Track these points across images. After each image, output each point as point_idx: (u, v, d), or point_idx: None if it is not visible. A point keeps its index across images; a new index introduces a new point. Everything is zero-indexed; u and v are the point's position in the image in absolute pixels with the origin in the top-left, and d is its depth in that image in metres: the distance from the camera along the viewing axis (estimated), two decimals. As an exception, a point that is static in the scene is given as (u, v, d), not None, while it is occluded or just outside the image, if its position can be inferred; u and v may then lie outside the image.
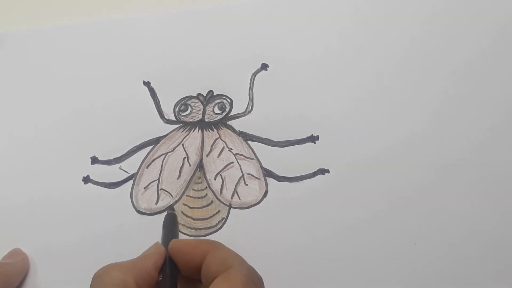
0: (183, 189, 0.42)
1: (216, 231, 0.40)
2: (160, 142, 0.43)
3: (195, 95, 0.45)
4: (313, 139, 0.42)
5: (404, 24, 0.45)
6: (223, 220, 0.40)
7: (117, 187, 0.42)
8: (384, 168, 0.40)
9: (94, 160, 0.43)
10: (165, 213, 0.41)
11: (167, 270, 0.31)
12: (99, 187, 0.42)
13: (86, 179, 0.43)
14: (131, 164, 0.43)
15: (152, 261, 0.31)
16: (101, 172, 0.43)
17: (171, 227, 0.35)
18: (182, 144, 0.43)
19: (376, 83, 0.43)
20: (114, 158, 0.43)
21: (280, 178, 0.41)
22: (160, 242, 0.34)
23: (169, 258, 0.32)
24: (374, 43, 0.45)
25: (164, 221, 0.36)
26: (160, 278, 0.31)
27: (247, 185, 0.41)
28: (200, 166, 0.42)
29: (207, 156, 0.42)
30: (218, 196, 0.41)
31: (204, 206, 0.41)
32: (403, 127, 0.41)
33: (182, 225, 0.40)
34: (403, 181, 0.39)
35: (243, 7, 0.47)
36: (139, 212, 0.41)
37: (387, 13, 0.46)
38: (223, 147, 0.43)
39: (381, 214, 0.38)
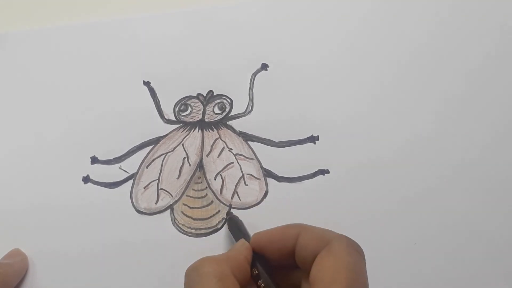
0: (183, 189, 0.42)
1: (216, 231, 0.40)
2: (160, 142, 0.43)
3: (195, 95, 0.45)
4: (313, 139, 0.42)
5: (407, 26, 0.45)
6: (223, 220, 0.40)
7: (117, 187, 0.42)
8: (384, 169, 0.40)
9: (94, 160, 0.43)
10: (167, 211, 0.41)
11: (257, 263, 0.32)
12: (99, 187, 0.42)
13: (86, 179, 0.43)
14: (131, 164, 0.43)
15: (243, 255, 0.31)
16: (101, 172, 0.43)
17: (237, 227, 0.37)
18: (182, 144, 0.43)
19: (377, 84, 0.43)
20: (114, 158, 0.43)
21: (280, 179, 0.41)
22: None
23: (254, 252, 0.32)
24: (375, 44, 0.45)
25: (229, 226, 0.38)
26: (256, 272, 0.31)
27: (247, 185, 0.41)
28: (200, 166, 0.42)
29: (207, 156, 0.42)
30: (218, 196, 0.41)
31: (204, 206, 0.41)
32: (403, 128, 0.41)
33: (182, 224, 0.40)
34: (403, 181, 0.39)
35: (244, 7, 0.47)
36: (138, 211, 0.41)
37: (390, 15, 0.46)
38: (223, 147, 0.43)
39: (381, 214, 0.39)
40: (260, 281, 0.31)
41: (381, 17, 0.46)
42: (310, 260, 0.29)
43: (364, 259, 0.29)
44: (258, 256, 0.32)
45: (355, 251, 0.28)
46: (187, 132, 0.44)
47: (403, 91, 0.43)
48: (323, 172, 0.40)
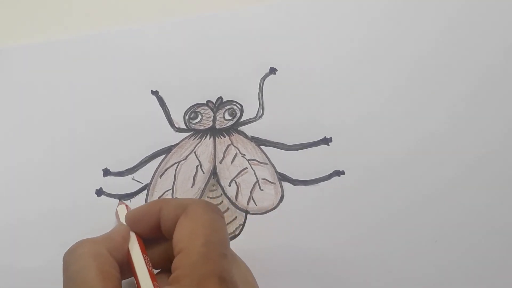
0: (198, 197, 0.41)
1: (234, 237, 0.40)
2: (172, 151, 0.43)
3: (205, 102, 0.45)
4: (326, 141, 0.42)
5: (418, 26, 0.45)
6: (240, 226, 0.40)
7: (131, 198, 0.42)
8: (401, 168, 0.40)
9: (106, 172, 0.43)
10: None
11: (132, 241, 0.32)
12: (113, 199, 0.42)
13: (99, 192, 0.42)
14: (144, 175, 0.43)
15: (121, 235, 0.32)
16: (114, 184, 0.42)
17: None
18: (194, 152, 0.43)
19: (388, 84, 0.43)
20: (127, 169, 0.43)
21: (295, 182, 0.41)
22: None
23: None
24: (386, 45, 0.45)
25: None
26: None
27: (262, 190, 0.41)
28: (214, 173, 0.42)
29: (220, 163, 0.42)
30: (234, 202, 0.41)
31: (220, 213, 0.40)
32: (418, 126, 0.41)
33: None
34: (421, 180, 0.39)
35: (250, 12, 0.47)
36: (154, 222, 0.41)
37: (401, 15, 0.46)
38: (236, 153, 0.42)
39: (400, 213, 0.38)
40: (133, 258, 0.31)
41: (391, 17, 0.46)
42: (172, 228, 0.30)
43: (222, 217, 0.31)
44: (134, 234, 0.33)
45: (211, 211, 0.30)
46: (199, 139, 0.43)
47: (415, 90, 0.43)
48: (338, 173, 0.40)
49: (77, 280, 0.27)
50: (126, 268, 0.31)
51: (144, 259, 0.31)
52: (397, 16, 0.46)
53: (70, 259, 0.29)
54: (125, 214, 0.35)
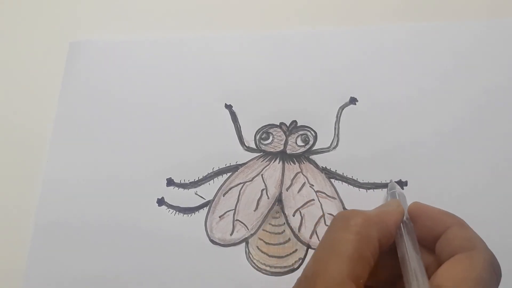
0: (260, 223, 0.40)
1: (292, 271, 0.38)
2: (238, 170, 0.42)
3: (278, 124, 0.43)
4: (401, 184, 0.39)
5: (501, 58, 0.42)
6: (300, 260, 0.38)
7: (192, 213, 0.41)
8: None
9: (170, 182, 0.42)
10: (241, 245, 0.39)
11: (406, 230, 0.30)
12: (173, 211, 0.41)
13: (161, 201, 0.42)
14: (207, 190, 0.42)
15: (394, 218, 0.30)
16: (176, 195, 0.42)
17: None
18: (262, 175, 0.42)
19: (468, 127, 0.41)
20: (190, 182, 0.42)
21: (363, 223, 0.39)
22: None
23: (408, 220, 0.31)
24: (468, 84, 0.42)
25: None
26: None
27: (327, 225, 0.39)
28: (279, 200, 0.41)
29: (287, 190, 0.41)
30: (296, 234, 0.39)
31: (280, 244, 0.39)
32: (493, 170, 0.39)
33: (257, 260, 0.39)
34: (495, 224, 0.37)
35: (338, 35, 0.46)
36: (212, 242, 0.40)
37: (487, 50, 0.43)
38: (304, 182, 0.41)
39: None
40: (405, 254, 0.29)
41: (477, 48, 0.43)
42: (447, 255, 0.28)
43: (498, 282, 0.28)
44: (411, 226, 0.31)
45: (492, 270, 0.27)
46: (267, 162, 0.42)
47: (498, 132, 0.40)
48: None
49: (333, 248, 0.27)
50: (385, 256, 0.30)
51: (421, 262, 0.29)
52: (483, 47, 0.43)
53: (340, 224, 0.28)
54: (404, 201, 0.33)
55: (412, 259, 0.28)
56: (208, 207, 0.41)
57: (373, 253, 0.28)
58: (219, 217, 0.41)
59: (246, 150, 0.43)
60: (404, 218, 0.31)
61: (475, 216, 0.37)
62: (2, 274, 0.42)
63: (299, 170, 0.41)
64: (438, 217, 0.30)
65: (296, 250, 0.39)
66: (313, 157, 0.42)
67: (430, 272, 0.28)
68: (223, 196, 0.41)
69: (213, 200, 0.41)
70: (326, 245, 0.28)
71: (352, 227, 0.28)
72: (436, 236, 0.30)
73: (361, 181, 0.40)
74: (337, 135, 0.42)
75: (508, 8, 0.45)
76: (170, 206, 0.41)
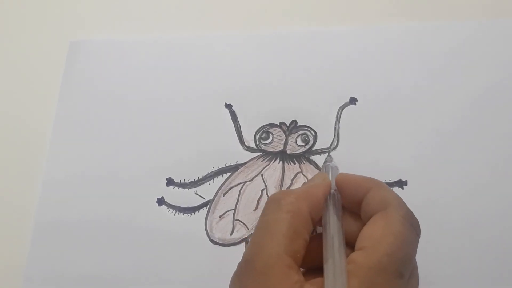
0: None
1: (292, 271, 0.38)
2: (238, 170, 0.42)
3: (278, 124, 0.43)
4: (401, 184, 0.39)
5: (501, 66, 0.42)
6: (300, 260, 0.38)
7: (192, 212, 0.41)
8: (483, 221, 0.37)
9: (170, 182, 0.42)
10: (241, 244, 0.39)
11: (332, 201, 0.31)
12: (173, 210, 0.41)
13: (160, 201, 0.42)
14: (207, 190, 0.42)
15: (322, 191, 0.31)
16: (176, 195, 0.42)
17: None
18: (262, 175, 0.42)
19: (469, 127, 0.41)
20: (190, 182, 0.42)
21: (363, 222, 0.39)
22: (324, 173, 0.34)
23: (336, 191, 0.32)
24: (468, 84, 0.42)
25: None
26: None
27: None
28: (279, 200, 0.40)
29: (287, 190, 0.41)
30: (296, 234, 0.39)
31: (280, 243, 0.39)
32: (493, 170, 0.39)
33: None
34: (495, 224, 0.37)
35: (338, 34, 0.45)
36: (212, 241, 0.40)
37: (487, 49, 0.43)
38: (304, 183, 0.41)
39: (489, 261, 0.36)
40: (326, 223, 0.30)
41: (473, 49, 0.43)
42: (368, 217, 0.30)
43: (417, 235, 0.29)
44: (337, 196, 0.32)
45: (408, 224, 0.29)
46: (267, 162, 0.42)
47: (500, 131, 0.40)
48: (410, 220, 0.38)
49: (268, 229, 0.29)
50: (317, 226, 0.31)
51: (341, 229, 0.30)
52: (483, 46, 0.43)
53: (272, 207, 0.30)
54: (336, 173, 0.33)
55: (333, 227, 0.29)
56: (208, 207, 0.41)
57: (307, 227, 0.29)
58: (219, 216, 0.41)
59: (246, 149, 0.43)
60: (332, 190, 0.32)
61: (475, 216, 0.38)
62: (2, 274, 0.42)
63: (299, 170, 0.41)
64: (359, 182, 0.32)
65: (296, 250, 0.39)
66: (313, 157, 0.42)
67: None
68: (223, 196, 0.41)
69: (213, 200, 0.41)
70: (262, 227, 0.29)
71: (283, 207, 0.29)
72: (359, 201, 0.31)
73: (361, 181, 0.40)
74: (337, 135, 0.42)
75: (508, 8, 0.45)
76: (170, 206, 0.41)
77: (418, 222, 0.30)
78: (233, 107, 0.44)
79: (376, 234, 0.28)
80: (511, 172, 0.39)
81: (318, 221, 0.31)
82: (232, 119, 0.44)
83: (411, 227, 0.29)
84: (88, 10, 0.52)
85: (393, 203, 0.30)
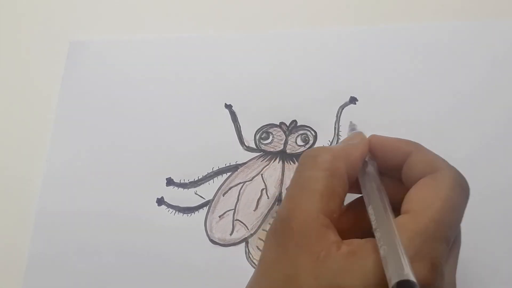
0: (260, 223, 0.40)
1: (292, 271, 0.38)
2: (238, 170, 0.42)
3: (278, 124, 0.43)
4: (401, 184, 0.39)
5: (501, 66, 0.42)
6: (300, 260, 0.38)
7: (191, 212, 0.41)
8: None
9: (170, 182, 0.42)
10: (241, 245, 0.39)
11: (370, 162, 0.30)
12: (173, 210, 0.41)
13: (160, 201, 0.42)
14: (207, 190, 0.42)
15: (360, 151, 0.30)
16: (175, 195, 0.42)
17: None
18: (261, 174, 0.41)
19: (469, 127, 0.41)
20: (190, 182, 0.42)
21: (363, 222, 0.39)
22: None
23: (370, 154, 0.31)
24: (468, 84, 0.42)
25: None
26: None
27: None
28: (279, 200, 0.40)
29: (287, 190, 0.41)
30: (296, 234, 0.39)
31: (280, 243, 0.39)
32: (493, 169, 0.39)
33: (256, 260, 0.39)
34: (491, 224, 0.37)
35: (338, 34, 0.45)
36: (212, 241, 0.40)
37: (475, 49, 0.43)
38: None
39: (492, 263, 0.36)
40: (368, 184, 0.29)
41: (473, 49, 0.43)
42: (413, 181, 0.28)
43: (466, 197, 0.28)
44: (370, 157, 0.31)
45: (459, 187, 0.27)
46: (267, 162, 0.42)
47: (498, 128, 0.40)
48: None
49: (304, 186, 0.28)
50: (353, 187, 0.30)
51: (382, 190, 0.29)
52: (483, 46, 0.43)
53: (308, 163, 0.29)
54: (368, 135, 0.32)
55: (378, 190, 0.28)
56: (208, 207, 0.41)
57: (343, 187, 0.28)
58: (219, 216, 0.40)
59: (246, 149, 0.43)
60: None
61: (475, 216, 0.37)
62: (2, 274, 0.42)
63: (299, 170, 0.41)
64: (397, 145, 0.31)
65: (296, 250, 0.39)
66: (313, 157, 0.41)
67: (400, 201, 0.28)
68: (223, 196, 0.41)
69: (212, 199, 0.41)
70: (298, 184, 0.28)
71: (320, 164, 0.28)
72: (399, 165, 0.30)
73: (361, 181, 0.40)
74: (337, 135, 0.42)
75: (508, 8, 0.45)
76: (169, 206, 0.41)
77: (467, 183, 0.28)
78: (233, 108, 0.44)
79: (424, 198, 0.27)
80: (511, 172, 0.39)
81: (353, 182, 0.30)
82: (232, 119, 0.44)
83: (462, 190, 0.28)
84: (88, 10, 0.52)
85: (441, 166, 0.28)
